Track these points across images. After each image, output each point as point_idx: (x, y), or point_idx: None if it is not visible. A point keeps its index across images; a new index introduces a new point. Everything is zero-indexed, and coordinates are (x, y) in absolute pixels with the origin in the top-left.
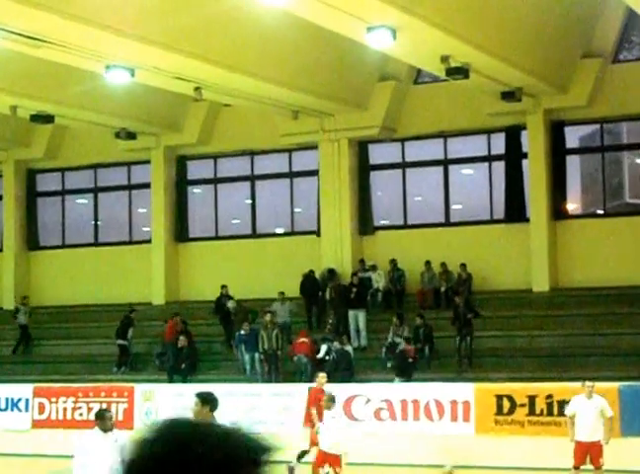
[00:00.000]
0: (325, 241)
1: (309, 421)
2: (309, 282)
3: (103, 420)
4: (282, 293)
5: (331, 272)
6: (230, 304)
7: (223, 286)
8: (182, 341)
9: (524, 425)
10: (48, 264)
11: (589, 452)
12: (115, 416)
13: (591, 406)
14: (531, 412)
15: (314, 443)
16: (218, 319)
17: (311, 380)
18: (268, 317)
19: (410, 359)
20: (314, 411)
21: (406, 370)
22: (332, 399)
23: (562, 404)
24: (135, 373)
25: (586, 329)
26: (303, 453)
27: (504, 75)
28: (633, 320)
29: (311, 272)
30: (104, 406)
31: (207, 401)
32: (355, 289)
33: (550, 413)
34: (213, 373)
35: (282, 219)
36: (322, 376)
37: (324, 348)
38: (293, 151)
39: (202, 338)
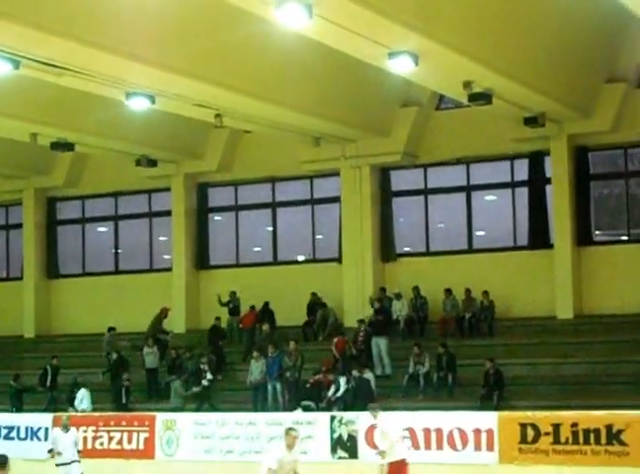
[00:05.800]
0: (347, 268)
1: None
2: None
3: None
4: None
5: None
6: (264, 328)
7: (266, 303)
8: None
9: (549, 454)
10: (69, 292)
11: None
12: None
13: None
14: (556, 440)
15: None
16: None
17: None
18: (292, 345)
19: None
20: None
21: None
22: None
23: (587, 432)
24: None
25: (611, 356)
26: None
27: (527, 100)
28: None
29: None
30: (125, 435)
31: None
32: (377, 316)
33: (575, 441)
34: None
35: (304, 246)
36: None
37: (342, 381)
38: (315, 178)
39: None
